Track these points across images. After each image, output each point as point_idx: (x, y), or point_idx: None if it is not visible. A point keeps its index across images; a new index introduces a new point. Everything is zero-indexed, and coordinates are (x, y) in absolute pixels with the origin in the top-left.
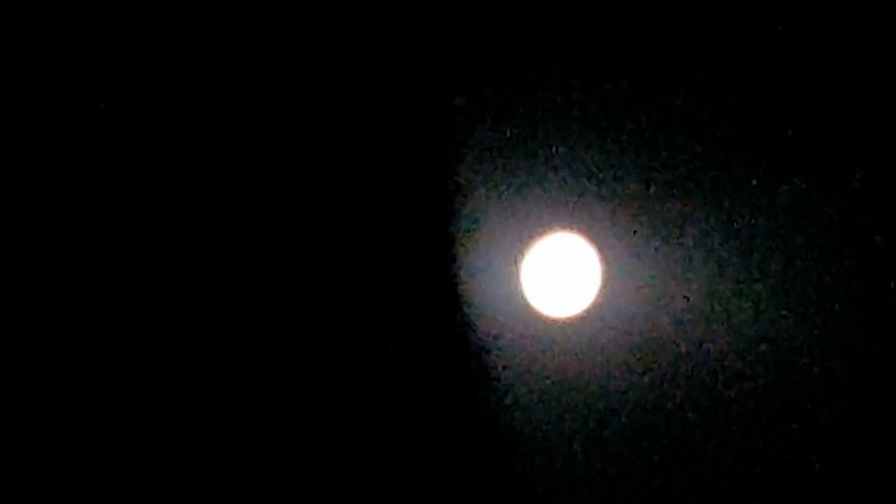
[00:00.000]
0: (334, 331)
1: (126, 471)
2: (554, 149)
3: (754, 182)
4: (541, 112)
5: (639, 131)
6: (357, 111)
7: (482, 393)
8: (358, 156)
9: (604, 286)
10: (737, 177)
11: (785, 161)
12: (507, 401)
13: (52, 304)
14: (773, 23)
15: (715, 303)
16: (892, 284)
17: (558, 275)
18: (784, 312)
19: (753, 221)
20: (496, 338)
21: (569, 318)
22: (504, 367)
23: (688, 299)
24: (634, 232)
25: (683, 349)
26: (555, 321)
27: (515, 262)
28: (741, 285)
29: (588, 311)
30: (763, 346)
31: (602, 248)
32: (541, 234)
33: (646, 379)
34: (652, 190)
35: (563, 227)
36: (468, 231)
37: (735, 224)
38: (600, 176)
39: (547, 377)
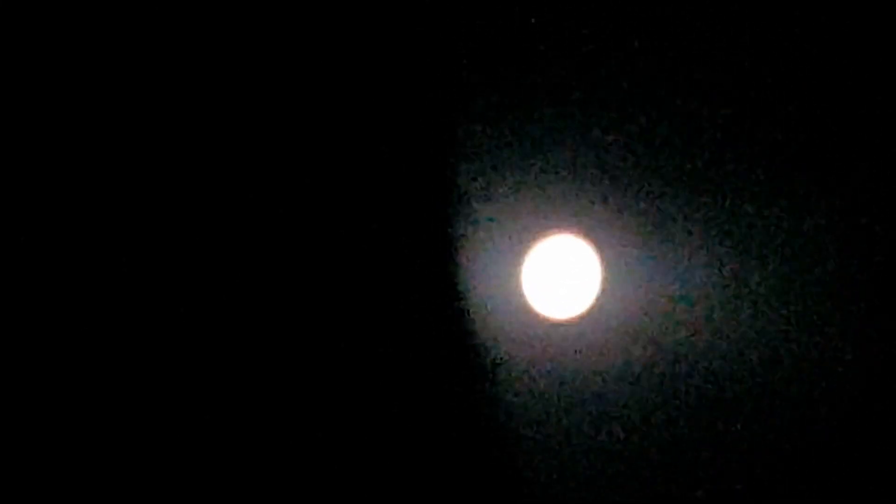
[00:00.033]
0: (335, 331)
1: (126, 471)
2: (554, 150)
3: (753, 182)
4: (541, 113)
5: (639, 133)
6: (357, 112)
7: (482, 394)
8: (358, 157)
9: (604, 288)
10: (737, 178)
11: (785, 161)
12: (507, 402)
13: (52, 304)
14: (773, 23)
15: (715, 304)
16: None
17: (558, 276)
18: (784, 313)
19: (753, 223)
20: (496, 339)
21: (569, 320)
22: (504, 368)
23: (687, 301)
24: (634, 234)
25: (683, 351)
26: (555, 323)
27: (516, 263)
28: (741, 287)
29: (588, 313)
30: (763, 347)
31: (602, 249)
32: (541, 236)
33: (645, 380)
34: (652, 192)
35: (564, 229)
36: (468, 232)
37: (735, 226)
38: (601, 178)
39: (547, 379)
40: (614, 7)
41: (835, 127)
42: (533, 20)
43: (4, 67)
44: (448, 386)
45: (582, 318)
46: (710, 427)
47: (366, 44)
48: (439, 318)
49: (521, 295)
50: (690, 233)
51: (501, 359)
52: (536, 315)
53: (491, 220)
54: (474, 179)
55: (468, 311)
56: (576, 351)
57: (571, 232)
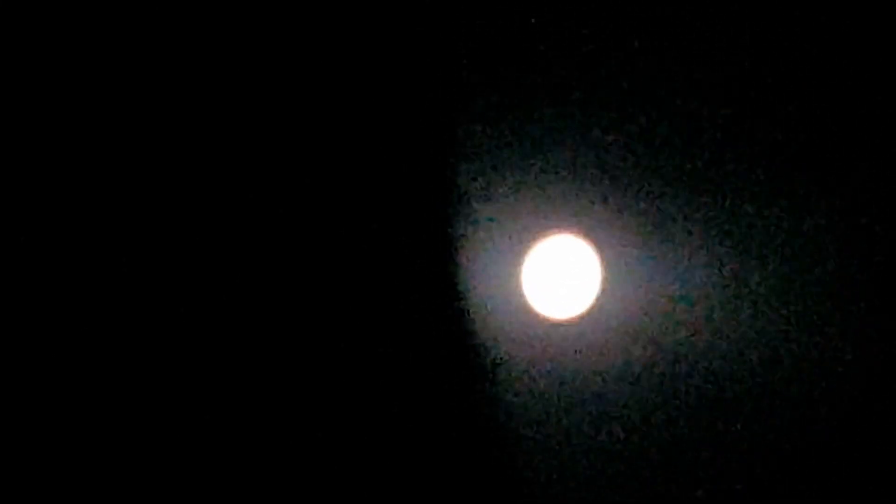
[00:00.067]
0: (335, 332)
1: (126, 471)
2: (554, 150)
3: (753, 182)
4: (541, 114)
5: (639, 133)
6: (357, 113)
7: (482, 394)
8: (358, 157)
9: (604, 288)
10: (737, 178)
11: (785, 161)
12: (507, 402)
13: (52, 304)
14: (773, 23)
15: (714, 304)
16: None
17: (558, 276)
18: (784, 313)
19: (753, 223)
20: (496, 339)
21: (569, 320)
22: (504, 369)
23: (687, 301)
24: (634, 234)
25: (683, 351)
26: (555, 323)
27: (516, 263)
28: (741, 287)
29: (588, 313)
30: (762, 347)
31: (602, 249)
32: (541, 236)
33: (645, 380)
34: (652, 192)
35: (564, 229)
36: (468, 232)
37: (735, 226)
38: (600, 178)
39: (547, 379)
40: (614, 7)
41: (835, 127)
42: (533, 20)
43: (4, 67)
44: (448, 386)
45: (582, 318)
46: (709, 427)
47: (366, 44)
48: (439, 317)
49: (521, 295)
50: (690, 233)
51: (501, 359)
52: (536, 315)
53: (491, 219)
54: (474, 179)
55: (468, 310)
56: (576, 351)
57: (571, 232)
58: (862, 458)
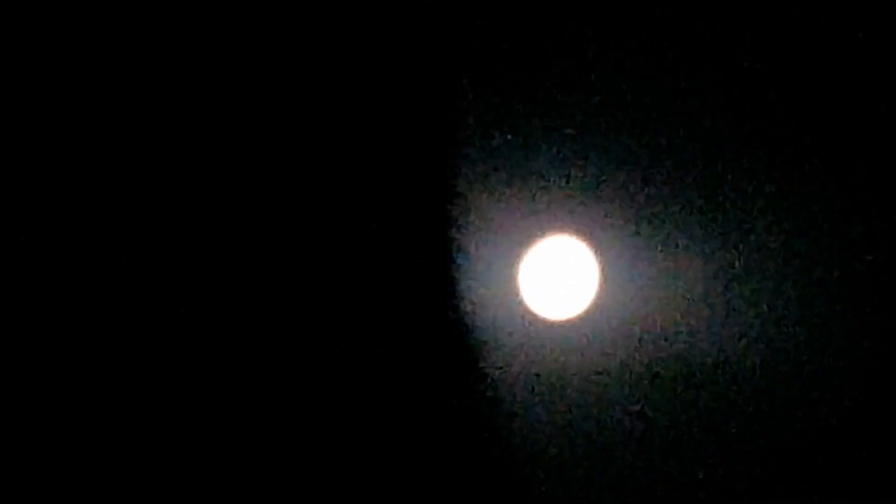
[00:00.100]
0: (331, 332)
1: (126, 471)
2: (552, 152)
3: (752, 182)
4: (538, 115)
5: (636, 134)
6: (356, 113)
7: (479, 395)
8: (357, 158)
9: (601, 289)
10: (735, 179)
11: (784, 162)
12: (505, 403)
13: (52, 304)
14: (773, 23)
15: (712, 305)
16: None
17: (555, 277)
18: (782, 314)
19: (752, 223)
20: (493, 340)
21: (566, 321)
22: (501, 370)
23: (685, 302)
24: (632, 234)
25: (681, 351)
26: (552, 324)
27: (513, 264)
28: (739, 287)
29: (585, 314)
30: (761, 348)
31: (599, 250)
32: (538, 237)
33: (643, 381)
34: (649, 192)
35: (561, 230)
36: (466, 233)
37: (733, 226)
38: (598, 178)
39: (544, 380)
40: (613, 9)
41: (834, 127)
42: (534, 23)
43: (4, 67)
44: (445, 386)
45: (579, 319)
46: (708, 428)
47: (365, 45)
48: (436, 318)
49: (519, 296)
50: (687, 233)
51: (499, 359)
52: (534, 316)
53: (488, 220)
54: (472, 180)
55: (465, 311)
56: (573, 352)
57: (568, 233)
58: (862, 458)
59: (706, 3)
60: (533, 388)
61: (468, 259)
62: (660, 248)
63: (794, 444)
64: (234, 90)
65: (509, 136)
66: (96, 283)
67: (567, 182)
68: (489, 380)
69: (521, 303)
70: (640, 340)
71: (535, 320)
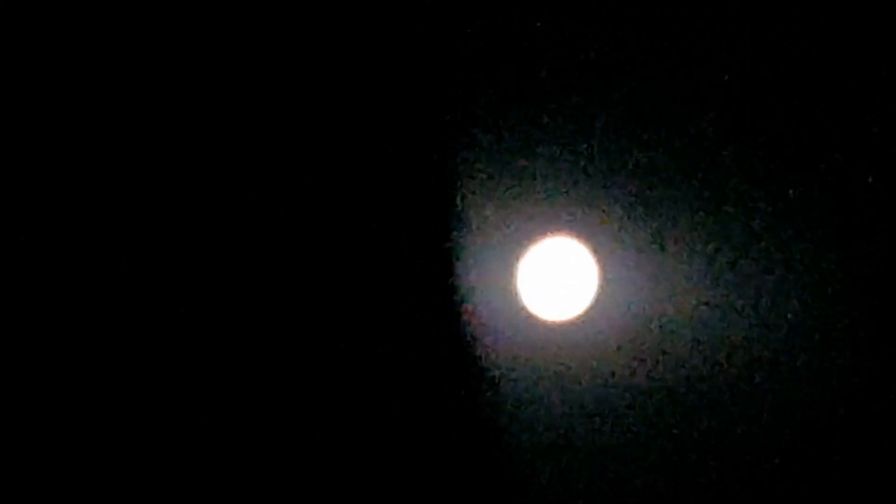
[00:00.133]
0: (331, 333)
1: (126, 471)
2: (551, 153)
3: (751, 184)
4: (538, 116)
5: (635, 136)
6: (356, 115)
7: (479, 396)
8: (357, 160)
9: (600, 290)
10: (734, 181)
11: (783, 164)
12: (504, 404)
13: (52, 304)
14: (773, 23)
15: (711, 306)
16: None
17: (555, 279)
18: (781, 315)
19: (750, 225)
20: (493, 341)
21: (565, 322)
22: (501, 371)
23: (684, 303)
24: (630, 236)
25: (679, 353)
26: (551, 325)
27: (512, 266)
28: (737, 290)
29: (584, 315)
30: (759, 350)
31: (598, 251)
32: (537, 238)
33: (642, 382)
34: (648, 194)
35: (560, 231)
36: (465, 235)
37: (732, 228)
38: (597, 180)
39: (544, 381)
40: (613, 10)
41: (834, 128)
42: (534, 23)
43: (4, 67)
44: (444, 388)
45: (578, 320)
46: (706, 429)
47: (365, 46)
48: (436, 320)
49: (518, 297)
50: (687, 235)
51: (498, 360)
52: (533, 317)
53: (488, 222)
54: (471, 182)
55: (465, 313)
56: (572, 353)
57: (568, 234)
58: (862, 458)
59: (706, 4)
60: (532, 390)
61: (468, 260)
62: (658, 249)
63: (794, 445)
64: (235, 91)
65: (509, 139)
66: (96, 283)
67: (566, 184)
68: (488, 381)
69: (520, 304)
70: (638, 342)
71: (534, 322)
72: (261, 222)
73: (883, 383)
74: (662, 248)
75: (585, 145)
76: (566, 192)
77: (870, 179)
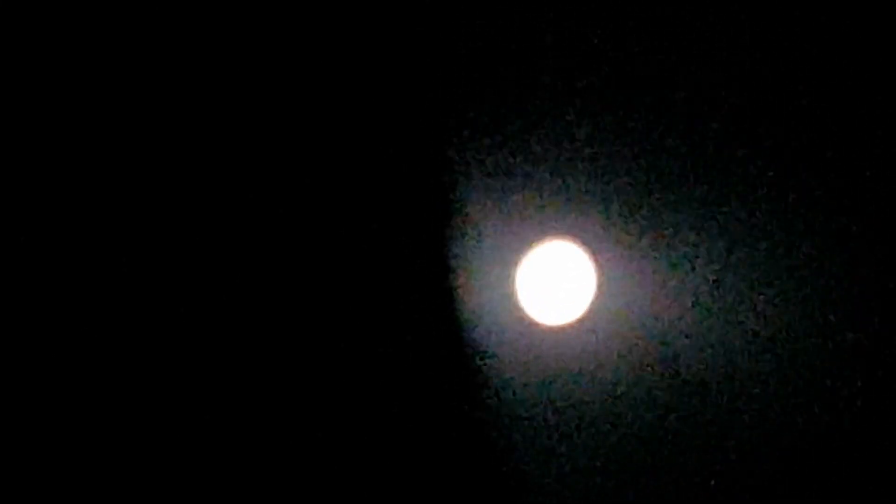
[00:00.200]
0: (330, 336)
1: (126, 471)
2: (549, 156)
3: (750, 186)
4: (537, 120)
5: (634, 138)
6: (355, 117)
7: (477, 400)
8: (355, 162)
9: (599, 294)
10: (732, 183)
11: (782, 167)
12: (502, 408)
13: (52, 304)
14: (773, 24)
15: (710, 309)
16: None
17: (553, 282)
18: (781, 316)
19: (749, 228)
20: (491, 345)
21: (564, 326)
22: (499, 375)
23: (682, 306)
24: (629, 239)
25: (678, 356)
26: (550, 329)
27: (511, 269)
28: (736, 292)
29: (583, 319)
30: (758, 352)
31: (597, 255)
32: (536, 242)
33: (641, 386)
34: (647, 197)
35: (558, 235)
36: (463, 238)
37: (731, 231)
38: (595, 183)
39: (542, 384)
40: (613, 12)
41: (834, 129)
42: (534, 25)
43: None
44: (443, 391)
45: (577, 323)
46: (705, 431)
47: (365, 48)
48: (434, 323)
49: (516, 301)
50: (685, 238)
51: (496, 364)
52: (531, 321)
53: (486, 225)
54: (470, 186)
55: (463, 316)
56: (570, 357)
57: (566, 238)
58: (862, 458)
59: (705, 5)
60: (530, 393)
61: (466, 264)
62: (657, 252)
63: (794, 445)
64: (235, 91)
65: (507, 142)
66: (96, 282)
67: (565, 187)
68: (487, 384)
69: (518, 308)
70: (637, 345)
71: (532, 325)
72: (260, 223)
73: (883, 384)
74: (661, 252)
75: (584, 149)
76: (565, 195)
77: (870, 180)
